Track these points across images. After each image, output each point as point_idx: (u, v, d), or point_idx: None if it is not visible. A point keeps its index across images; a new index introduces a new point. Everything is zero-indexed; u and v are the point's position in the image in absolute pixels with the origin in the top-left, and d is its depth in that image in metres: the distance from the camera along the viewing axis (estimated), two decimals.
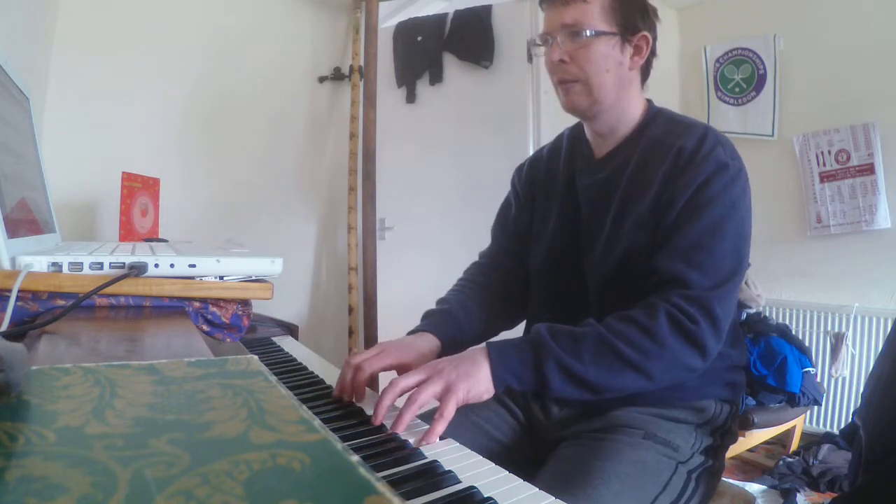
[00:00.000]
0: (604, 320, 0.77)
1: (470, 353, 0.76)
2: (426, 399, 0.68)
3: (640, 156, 0.89)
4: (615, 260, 0.87)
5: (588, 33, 0.85)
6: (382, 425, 0.68)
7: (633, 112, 0.93)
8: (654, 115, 0.93)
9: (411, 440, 0.63)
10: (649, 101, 0.96)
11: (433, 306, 1.00)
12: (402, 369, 0.81)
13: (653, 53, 0.92)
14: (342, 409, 0.74)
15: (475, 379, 0.72)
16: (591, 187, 0.94)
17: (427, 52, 2.42)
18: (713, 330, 0.76)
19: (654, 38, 0.91)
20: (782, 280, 2.66)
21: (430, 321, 0.93)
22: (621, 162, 0.91)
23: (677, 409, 0.85)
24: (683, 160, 0.83)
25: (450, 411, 0.67)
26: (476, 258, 1.12)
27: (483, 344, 0.77)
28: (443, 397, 0.68)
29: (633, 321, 0.76)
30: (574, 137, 1.02)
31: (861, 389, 2.35)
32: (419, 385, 0.69)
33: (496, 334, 1.03)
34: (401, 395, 0.70)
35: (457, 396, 0.69)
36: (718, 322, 0.77)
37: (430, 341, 0.89)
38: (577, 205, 0.96)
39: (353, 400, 0.75)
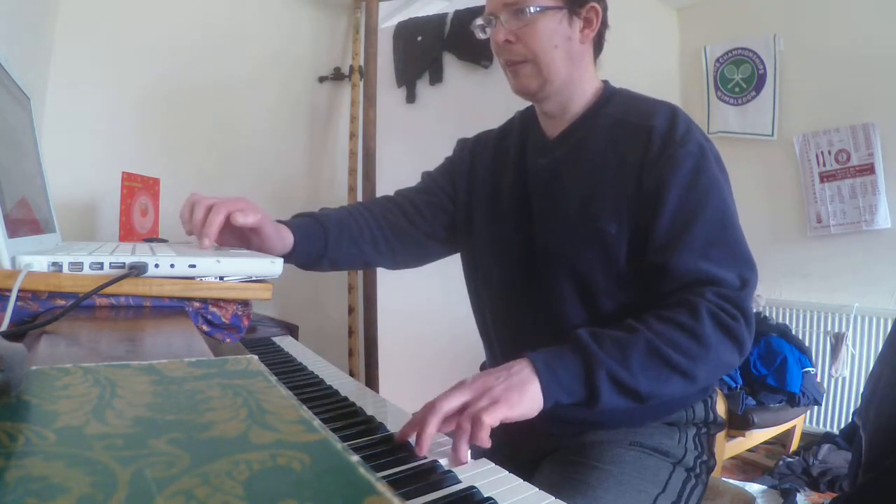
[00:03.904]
0: (645, 321, 0.73)
1: (514, 367, 0.68)
2: (479, 409, 0.61)
3: (603, 135, 0.85)
4: (582, 243, 0.83)
5: (532, 10, 0.81)
6: (381, 425, 0.68)
7: (586, 89, 0.89)
8: (611, 94, 0.90)
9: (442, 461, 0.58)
10: (605, 82, 0.92)
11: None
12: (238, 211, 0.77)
13: (604, 25, 0.88)
14: (342, 409, 0.74)
15: (526, 395, 0.65)
16: (546, 167, 0.90)
17: (427, 52, 2.42)
18: (748, 326, 0.74)
19: (605, 9, 0.87)
20: (782, 280, 2.67)
21: (297, 221, 0.90)
22: (578, 140, 0.87)
23: (651, 426, 0.84)
24: (658, 143, 0.79)
25: (493, 419, 0.60)
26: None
27: (524, 358, 0.70)
28: (490, 407, 0.62)
29: (678, 324, 0.72)
30: (525, 120, 0.98)
31: (861, 389, 2.35)
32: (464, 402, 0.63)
33: (344, 266, 1.00)
34: (444, 419, 0.62)
35: (509, 412, 0.63)
36: (751, 319, 0.75)
37: (283, 229, 0.86)
38: (526, 187, 0.92)
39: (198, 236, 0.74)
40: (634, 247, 0.80)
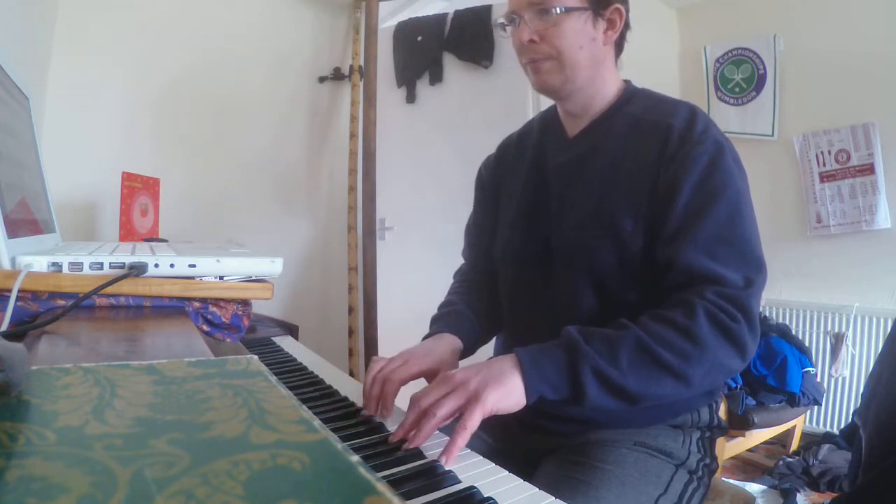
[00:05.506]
0: (638, 320, 0.72)
1: (496, 361, 0.69)
2: (447, 413, 0.62)
3: (622, 133, 0.84)
4: (598, 239, 0.82)
5: (557, 10, 0.80)
6: (381, 425, 0.68)
7: (608, 89, 0.88)
8: (632, 94, 0.89)
9: (431, 453, 0.60)
10: (627, 82, 0.92)
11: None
12: (431, 375, 0.78)
13: (626, 26, 0.87)
14: (342, 409, 0.74)
15: (505, 389, 0.65)
16: (565, 166, 0.89)
17: (427, 52, 2.42)
18: (750, 329, 0.71)
19: (627, 11, 0.87)
20: (782, 280, 2.66)
21: (445, 322, 0.90)
22: (597, 138, 0.87)
23: (656, 428, 0.83)
24: (676, 140, 0.79)
25: (473, 423, 0.61)
26: None
27: (512, 352, 0.70)
28: (466, 408, 0.62)
29: (671, 322, 0.70)
30: (545, 121, 0.98)
31: (861, 389, 2.35)
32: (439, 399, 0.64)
33: (497, 332, 1.02)
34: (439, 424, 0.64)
35: (483, 407, 0.62)
36: (754, 322, 0.72)
37: (452, 342, 0.86)
38: (544, 185, 0.91)
39: (382, 415, 0.71)
40: (650, 244, 0.79)
